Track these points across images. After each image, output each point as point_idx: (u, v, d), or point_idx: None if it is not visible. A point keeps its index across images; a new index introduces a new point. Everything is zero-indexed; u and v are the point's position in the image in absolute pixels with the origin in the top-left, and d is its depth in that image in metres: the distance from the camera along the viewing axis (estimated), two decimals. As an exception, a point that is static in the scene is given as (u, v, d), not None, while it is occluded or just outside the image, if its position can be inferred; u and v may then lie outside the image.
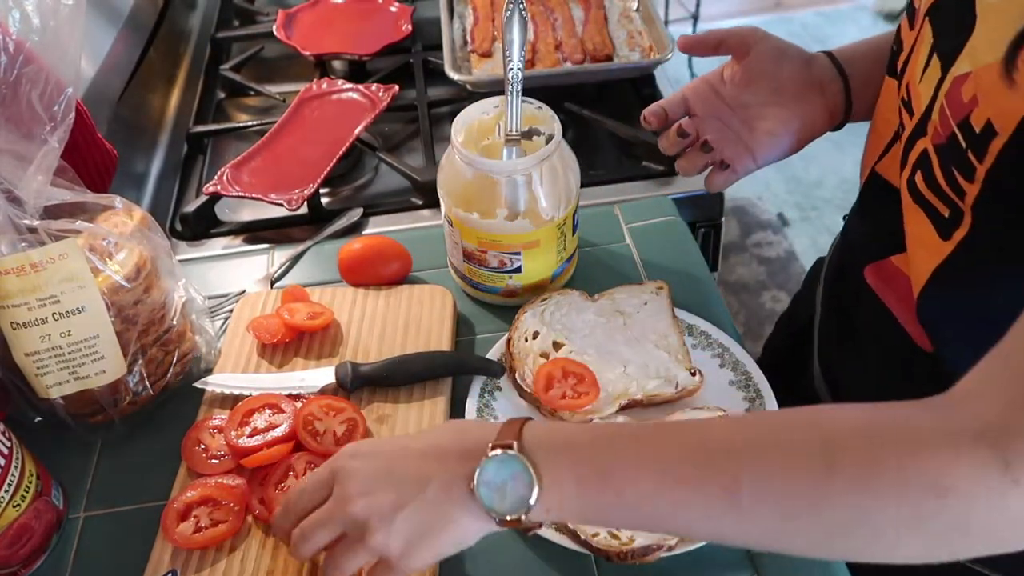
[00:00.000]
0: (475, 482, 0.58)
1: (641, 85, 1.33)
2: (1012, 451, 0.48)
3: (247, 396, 0.85)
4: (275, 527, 0.69)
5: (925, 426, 0.51)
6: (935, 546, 0.51)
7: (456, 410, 0.85)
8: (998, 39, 0.56)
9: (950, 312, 0.69)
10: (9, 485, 0.73)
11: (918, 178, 0.67)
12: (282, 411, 0.82)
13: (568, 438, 0.60)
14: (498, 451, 0.58)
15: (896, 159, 0.73)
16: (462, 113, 0.91)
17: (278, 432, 0.80)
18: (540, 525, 0.66)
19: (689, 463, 0.56)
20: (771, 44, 0.85)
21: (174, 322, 0.87)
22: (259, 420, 0.82)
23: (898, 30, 0.74)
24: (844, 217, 0.94)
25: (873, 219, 0.81)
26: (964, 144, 0.59)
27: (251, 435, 0.80)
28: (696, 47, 0.88)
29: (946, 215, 0.64)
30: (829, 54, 0.86)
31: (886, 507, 0.50)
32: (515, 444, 0.58)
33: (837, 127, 0.87)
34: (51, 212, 0.79)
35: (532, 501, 0.57)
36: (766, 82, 0.85)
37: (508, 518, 0.58)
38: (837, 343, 0.90)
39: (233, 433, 0.81)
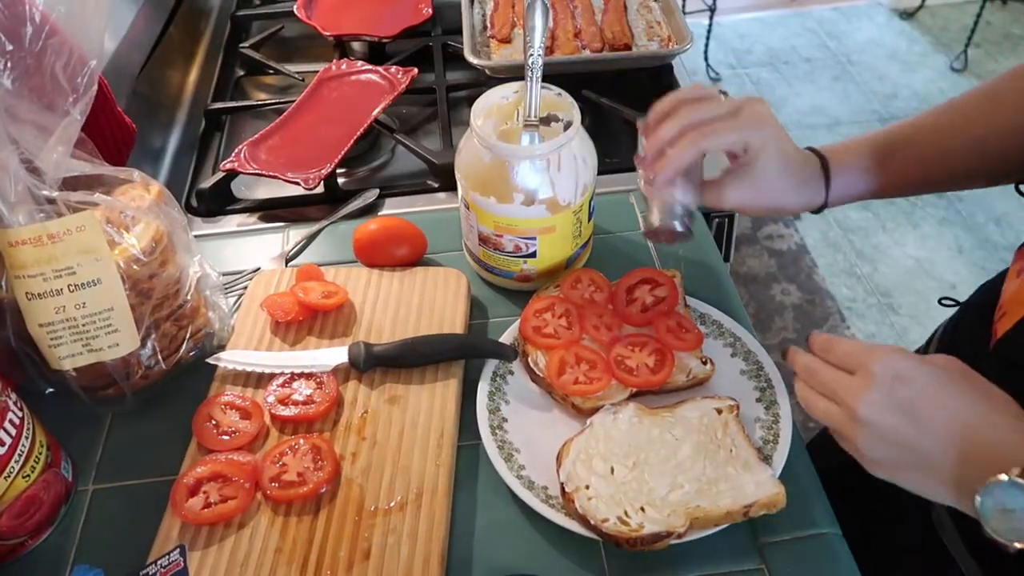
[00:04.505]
0: (983, 490, 0.58)
1: (658, 75, 1.33)
2: None
3: (259, 373, 0.85)
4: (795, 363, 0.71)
5: None
6: None
7: (468, 392, 0.85)
8: None
9: None
10: (20, 455, 0.73)
11: None
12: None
13: None
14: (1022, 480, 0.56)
15: None
16: (481, 97, 0.91)
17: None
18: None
19: None
20: (775, 161, 0.80)
21: (188, 297, 0.87)
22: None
23: None
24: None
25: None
26: None
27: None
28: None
29: None
30: (821, 158, 0.84)
31: None
32: None
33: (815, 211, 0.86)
34: (69, 184, 0.79)
35: None
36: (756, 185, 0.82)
37: (997, 537, 0.57)
38: None
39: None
